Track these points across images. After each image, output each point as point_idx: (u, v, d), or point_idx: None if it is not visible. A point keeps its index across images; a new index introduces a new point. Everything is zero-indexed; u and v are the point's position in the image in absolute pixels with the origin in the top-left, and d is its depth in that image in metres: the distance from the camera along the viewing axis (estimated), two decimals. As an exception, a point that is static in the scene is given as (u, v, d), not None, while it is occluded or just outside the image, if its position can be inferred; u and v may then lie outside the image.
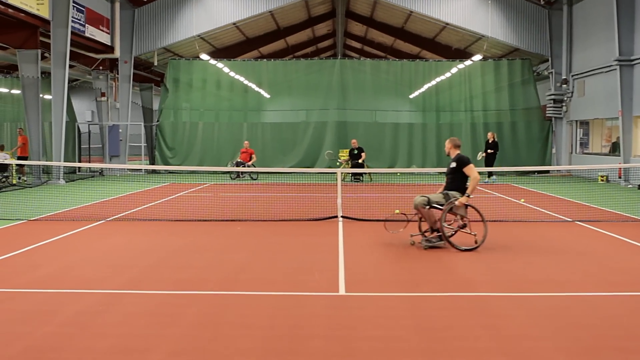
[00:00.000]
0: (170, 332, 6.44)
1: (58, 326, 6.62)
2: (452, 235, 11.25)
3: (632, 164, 22.87)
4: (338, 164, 28.07)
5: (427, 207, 11.13)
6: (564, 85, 30.71)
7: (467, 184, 11.20)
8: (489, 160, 26.42)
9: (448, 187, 11.40)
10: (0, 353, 5.80)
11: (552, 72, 31.29)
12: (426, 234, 11.36)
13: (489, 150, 26.48)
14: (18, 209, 15.85)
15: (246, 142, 29.30)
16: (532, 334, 6.41)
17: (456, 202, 11.01)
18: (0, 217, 14.62)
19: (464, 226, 11.17)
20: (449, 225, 11.21)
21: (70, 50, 24.55)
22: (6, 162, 22.11)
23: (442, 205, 11.14)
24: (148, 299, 7.79)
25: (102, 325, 6.67)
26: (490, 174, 26.64)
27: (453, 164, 11.44)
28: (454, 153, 11.61)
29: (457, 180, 11.36)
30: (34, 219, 14.61)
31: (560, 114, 31.32)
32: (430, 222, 11.22)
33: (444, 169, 12.07)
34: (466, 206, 11.13)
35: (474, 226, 11.00)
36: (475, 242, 10.94)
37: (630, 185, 23.93)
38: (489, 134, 27.28)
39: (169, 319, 6.89)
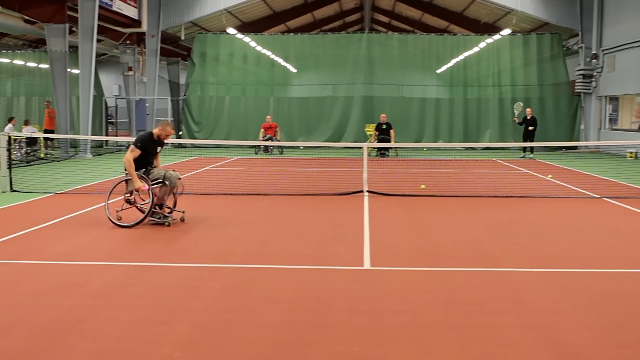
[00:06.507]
0: (195, 305, 6.48)
1: (84, 298, 6.69)
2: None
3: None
4: (369, 134, 27.98)
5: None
6: (594, 60, 30.19)
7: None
8: (530, 137, 26.18)
9: None
10: (28, 324, 5.87)
11: (581, 47, 30.71)
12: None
13: (529, 128, 26.19)
14: (46, 182, 15.98)
15: (268, 117, 29.21)
16: (557, 309, 6.37)
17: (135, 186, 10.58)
18: (29, 190, 14.76)
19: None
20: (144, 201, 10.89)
21: (98, 25, 24.57)
22: (34, 135, 22.25)
23: (158, 181, 10.77)
24: (173, 271, 7.84)
25: (128, 297, 6.73)
26: (531, 149, 26.39)
27: None
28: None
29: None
30: (61, 192, 14.75)
31: (590, 89, 30.83)
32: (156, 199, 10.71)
33: (473, 144, 11.95)
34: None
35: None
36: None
37: (660, 162, 23.62)
38: (528, 110, 26.85)
39: (194, 292, 6.93)
